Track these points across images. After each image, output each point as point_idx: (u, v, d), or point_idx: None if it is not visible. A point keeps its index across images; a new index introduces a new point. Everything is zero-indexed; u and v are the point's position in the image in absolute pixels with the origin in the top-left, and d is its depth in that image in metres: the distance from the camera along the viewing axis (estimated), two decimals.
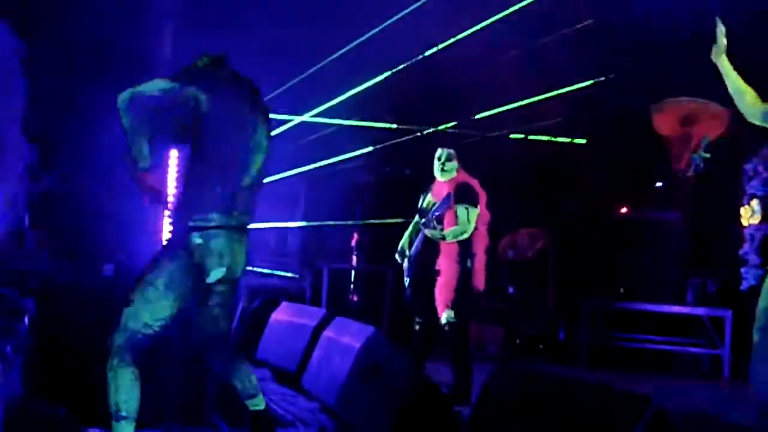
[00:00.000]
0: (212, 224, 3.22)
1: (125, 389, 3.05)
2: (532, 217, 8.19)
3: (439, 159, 5.26)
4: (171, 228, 3.41)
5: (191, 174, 3.31)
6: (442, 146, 5.35)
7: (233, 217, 3.28)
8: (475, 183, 5.26)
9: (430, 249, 5.19)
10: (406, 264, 5.41)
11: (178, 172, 6.07)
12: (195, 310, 3.38)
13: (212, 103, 3.18)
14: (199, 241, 3.21)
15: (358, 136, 6.85)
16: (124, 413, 3.05)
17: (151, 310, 3.15)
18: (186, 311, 3.31)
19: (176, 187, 3.36)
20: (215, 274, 3.26)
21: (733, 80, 3.50)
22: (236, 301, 3.48)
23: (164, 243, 3.34)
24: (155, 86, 3.08)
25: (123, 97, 3.05)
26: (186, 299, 3.25)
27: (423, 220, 5.29)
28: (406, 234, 5.53)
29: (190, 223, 3.22)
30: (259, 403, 3.47)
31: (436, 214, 5.19)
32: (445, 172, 5.24)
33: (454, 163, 5.25)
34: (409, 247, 5.43)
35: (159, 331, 3.17)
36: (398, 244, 5.53)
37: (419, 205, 5.41)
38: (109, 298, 3.51)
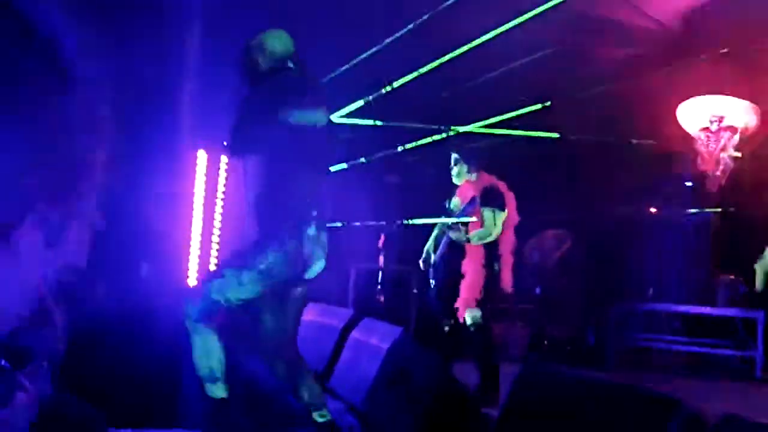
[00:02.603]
0: (315, 218, 3.33)
1: (215, 353, 3.19)
2: (558, 218, 8.12)
3: (450, 165, 5.29)
4: (261, 225, 3.36)
5: (280, 176, 3.31)
6: (458, 150, 5.33)
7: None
8: (502, 185, 5.22)
9: (455, 251, 5.18)
10: (431, 267, 5.40)
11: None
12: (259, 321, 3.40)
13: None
14: (313, 232, 3.29)
15: (386, 137, 6.84)
16: (218, 374, 3.19)
17: (239, 291, 3.20)
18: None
19: (251, 190, 3.31)
20: (318, 266, 3.39)
21: None
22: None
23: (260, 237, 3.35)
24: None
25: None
26: (274, 289, 3.29)
27: (449, 221, 5.29)
28: (432, 237, 5.51)
29: (300, 217, 3.28)
30: (326, 414, 3.53)
31: (462, 216, 5.18)
32: (457, 176, 5.29)
33: (459, 167, 5.25)
34: (435, 250, 5.42)
35: (233, 307, 3.24)
36: (424, 245, 5.51)
37: (446, 207, 5.40)
38: (143, 297, 3.54)
